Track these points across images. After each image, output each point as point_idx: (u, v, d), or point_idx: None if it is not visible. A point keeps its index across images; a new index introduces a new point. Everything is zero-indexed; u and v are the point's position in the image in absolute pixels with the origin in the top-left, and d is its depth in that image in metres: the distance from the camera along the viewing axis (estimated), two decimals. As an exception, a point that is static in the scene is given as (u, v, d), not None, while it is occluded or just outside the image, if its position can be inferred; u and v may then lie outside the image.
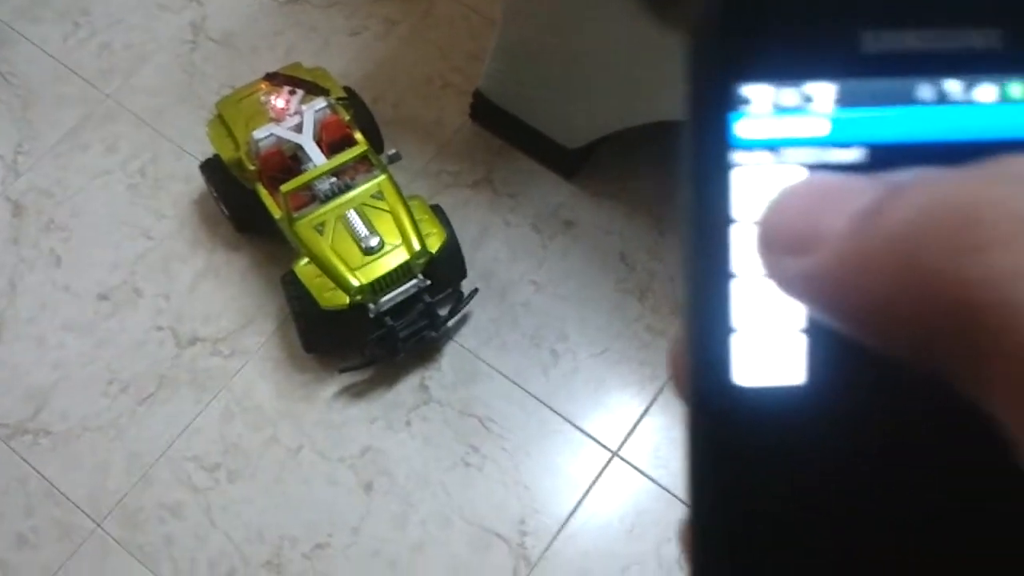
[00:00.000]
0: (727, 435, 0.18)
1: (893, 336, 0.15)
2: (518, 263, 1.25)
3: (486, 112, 1.30)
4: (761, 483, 0.18)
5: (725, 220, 0.18)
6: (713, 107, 0.17)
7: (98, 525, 1.14)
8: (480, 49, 1.35)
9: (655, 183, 1.28)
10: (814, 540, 0.18)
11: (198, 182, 1.29)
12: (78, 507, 1.15)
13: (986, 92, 0.17)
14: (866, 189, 0.16)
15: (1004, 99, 0.17)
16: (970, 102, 0.17)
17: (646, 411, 1.17)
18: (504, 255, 1.26)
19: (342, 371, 1.17)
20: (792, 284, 0.17)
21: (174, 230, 1.29)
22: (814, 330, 0.17)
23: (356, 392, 1.19)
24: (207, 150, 1.24)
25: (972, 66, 0.17)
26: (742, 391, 0.18)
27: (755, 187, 0.18)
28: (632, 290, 1.23)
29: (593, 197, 1.28)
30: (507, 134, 1.30)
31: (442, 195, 1.29)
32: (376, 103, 1.33)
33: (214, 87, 1.38)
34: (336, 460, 1.16)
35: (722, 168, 0.18)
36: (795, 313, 0.18)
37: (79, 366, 1.22)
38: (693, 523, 0.18)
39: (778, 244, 0.17)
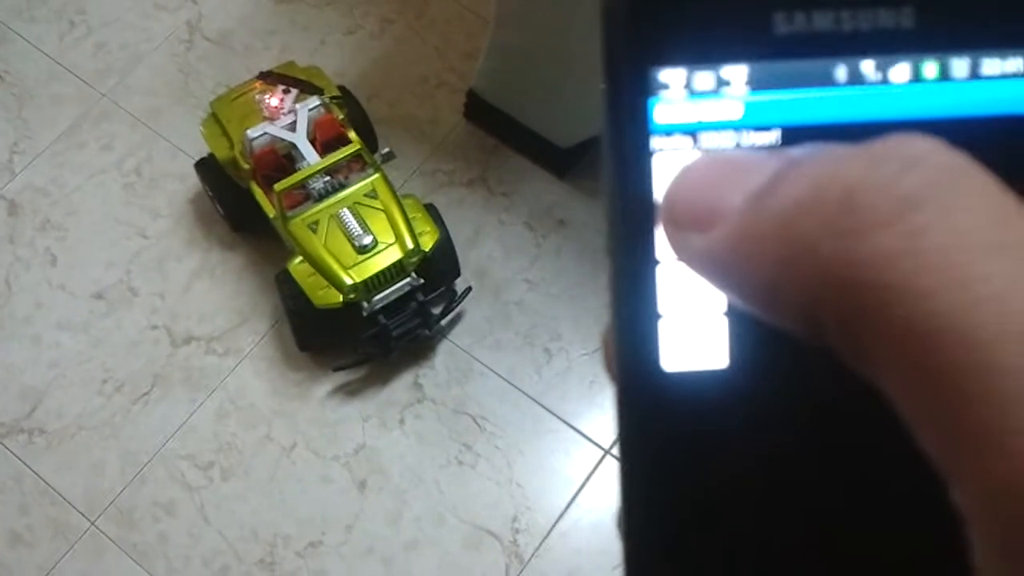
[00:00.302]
0: (656, 419, 0.18)
1: (786, 314, 0.16)
2: (512, 262, 1.25)
3: (480, 111, 1.30)
4: (690, 466, 0.18)
5: (648, 206, 0.18)
6: (630, 93, 0.17)
7: (92, 523, 1.14)
8: (475, 48, 1.36)
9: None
10: (743, 522, 0.18)
11: (193, 181, 1.30)
12: (73, 505, 1.15)
13: (900, 72, 0.17)
14: (765, 165, 0.16)
15: (918, 79, 0.17)
16: (884, 82, 0.17)
17: (639, 409, 1.17)
18: (498, 254, 1.26)
19: (336, 370, 1.17)
20: (693, 259, 0.17)
21: (169, 229, 1.29)
22: (736, 313, 0.18)
23: (350, 391, 1.19)
24: (202, 149, 1.24)
25: (886, 46, 0.17)
26: (669, 376, 0.18)
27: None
28: (625, 289, 1.23)
29: (586, 196, 1.28)
30: (501, 133, 1.31)
31: (436, 194, 1.29)
32: (371, 102, 1.33)
33: (209, 86, 1.38)
34: (330, 458, 1.16)
35: (642, 154, 0.18)
36: (718, 297, 0.18)
37: (74, 365, 1.22)
38: (624, 506, 0.18)
39: (680, 220, 0.17)
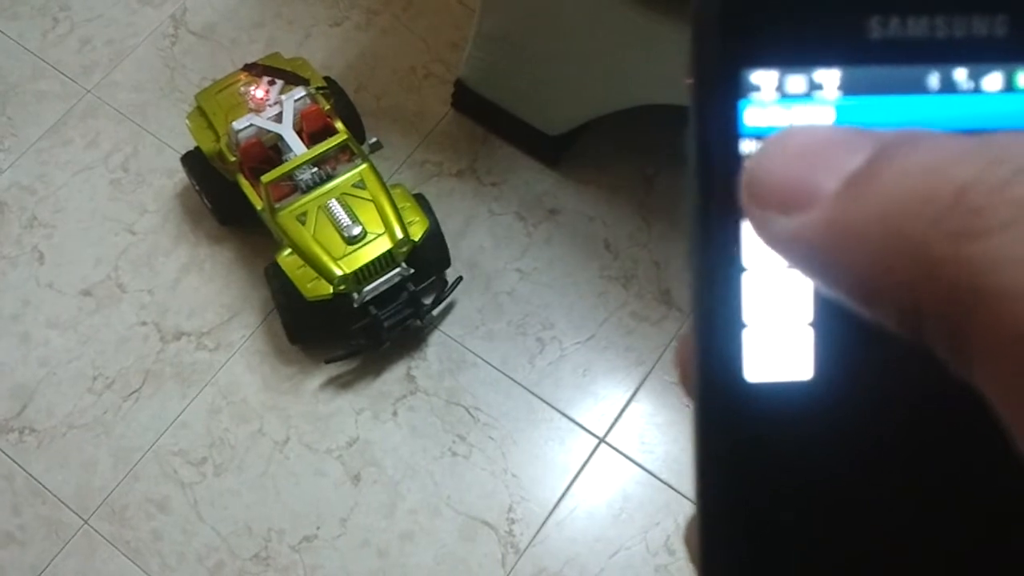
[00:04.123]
0: (737, 432, 0.17)
1: (880, 308, 0.15)
2: (502, 251, 1.25)
3: (468, 101, 1.29)
4: (771, 480, 0.17)
5: (736, 211, 0.17)
6: (720, 94, 0.17)
7: (85, 522, 1.13)
8: (462, 38, 1.35)
9: (638, 169, 1.28)
10: (825, 537, 0.17)
11: (180, 176, 1.29)
12: (65, 504, 1.14)
13: (993, 80, 0.17)
14: (858, 145, 0.16)
15: (1011, 88, 0.17)
16: (976, 91, 0.17)
17: (632, 397, 1.17)
18: (488, 244, 1.25)
19: (328, 362, 1.16)
20: (780, 243, 0.16)
21: (157, 224, 1.28)
22: (822, 324, 0.17)
23: (342, 383, 1.18)
24: (189, 143, 1.23)
25: (979, 54, 0.17)
26: (752, 387, 0.17)
27: None
28: (617, 277, 1.23)
29: (576, 184, 1.28)
30: (489, 123, 1.30)
31: (426, 185, 1.28)
32: (358, 94, 1.33)
33: (195, 80, 1.37)
34: (323, 452, 1.16)
35: (731, 157, 0.17)
36: (804, 306, 0.17)
37: (64, 363, 1.21)
38: (701, 522, 0.18)
39: (765, 200, 0.16)
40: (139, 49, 1.41)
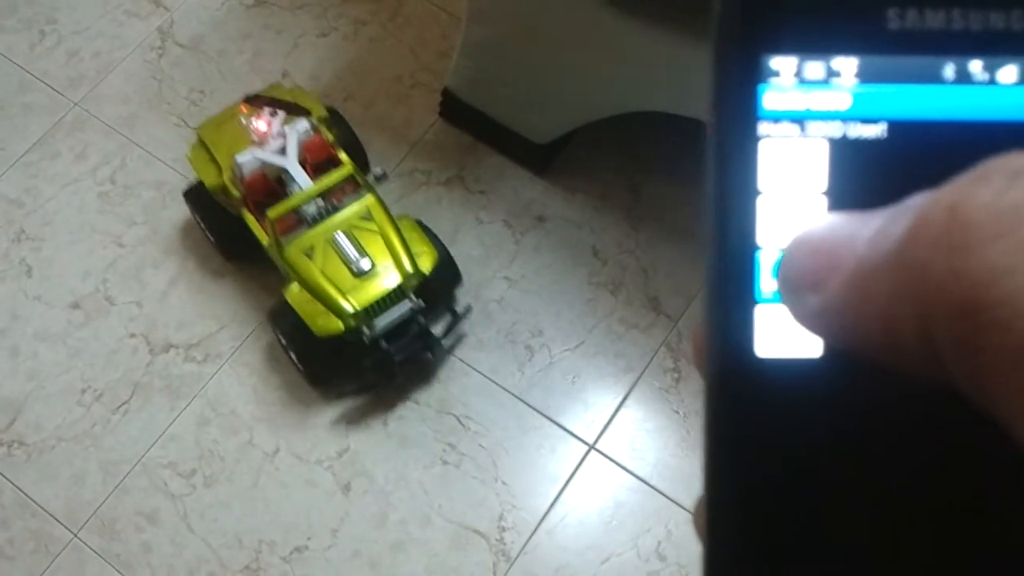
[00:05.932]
0: (747, 408, 0.18)
1: (904, 348, 0.15)
2: (491, 260, 1.25)
3: (455, 110, 1.29)
4: (780, 458, 0.17)
5: (752, 192, 0.18)
6: (740, 78, 0.18)
7: (75, 535, 1.13)
8: (449, 47, 1.35)
9: (625, 176, 1.29)
10: (834, 515, 0.17)
11: (169, 187, 1.29)
12: (54, 518, 1.14)
13: (1008, 73, 0.17)
14: (873, 218, 0.16)
15: None
16: (992, 82, 0.17)
17: (622, 404, 1.17)
18: (477, 252, 1.25)
19: (338, 397, 1.15)
20: (810, 319, 0.17)
21: (145, 237, 1.28)
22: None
23: (332, 393, 1.18)
24: (177, 155, 1.23)
25: (995, 46, 0.17)
26: (764, 363, 0.18)
27: (782, 159, 0.18)
28: (605, 283, 1.23)
29: (564, 192, 1.28)
30: (477, 131, 1.30)
31: (415, 194, 1.28)
32: (346, 104, 1.33)
33: (183, 92, 1.37)
34: (313, 462, 1.15)
35: (749, 139, 0.18)
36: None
37: (53, 376, 1.21)
38: (708, 499, 0.18)
39: (796, 285, 0.17)
40: (126, 61, 1.41)
